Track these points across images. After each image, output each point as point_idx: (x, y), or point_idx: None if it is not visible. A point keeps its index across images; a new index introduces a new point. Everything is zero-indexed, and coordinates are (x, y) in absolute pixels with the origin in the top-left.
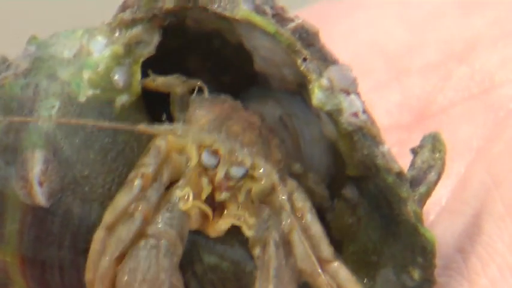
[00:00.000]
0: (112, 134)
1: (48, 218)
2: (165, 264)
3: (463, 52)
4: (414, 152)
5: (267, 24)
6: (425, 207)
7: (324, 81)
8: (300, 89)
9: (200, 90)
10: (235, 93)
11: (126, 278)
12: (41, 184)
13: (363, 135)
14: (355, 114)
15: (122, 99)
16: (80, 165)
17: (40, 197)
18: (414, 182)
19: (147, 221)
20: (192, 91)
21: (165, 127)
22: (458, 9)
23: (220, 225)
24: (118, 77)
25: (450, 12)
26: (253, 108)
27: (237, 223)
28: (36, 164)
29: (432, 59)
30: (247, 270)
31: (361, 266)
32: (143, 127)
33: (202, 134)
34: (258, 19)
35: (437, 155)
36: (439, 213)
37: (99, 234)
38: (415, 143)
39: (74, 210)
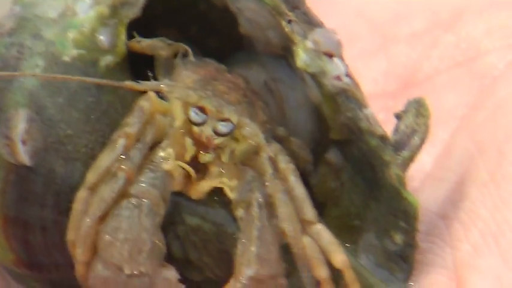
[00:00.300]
0: (96, 94)
1: (31, 177)
2: (147, 224)
3: (449, 20)
4: (398, 116)
5: None
6: (410, 174)
7: (309, 43)
8: (285, 53)
9: (185, 55)
10: (221, 57)
11: (107, 237)
12: (24, 143)
13: (347, 97)
14: (338, 77)
15: (107, 60)
16: (64, 125)
17: (23, 155)
18: (398, 146)
19: (130, 181)
20: (176, 55)
21: (151, 83)
22: None
23: (203, 187)
24: (103, 38)
25: None
26: (238, 72)
27: (220, 185)
28: (20, 122)
29: (418, 27)
30: (229, 231)
31: (343, 230)
32: (129, 84)
33: (188, 91)
34: None
35: (421, 120)
36: (423, 180)
37: (81, 194)
38: (400, 109)
39: (56, 169)
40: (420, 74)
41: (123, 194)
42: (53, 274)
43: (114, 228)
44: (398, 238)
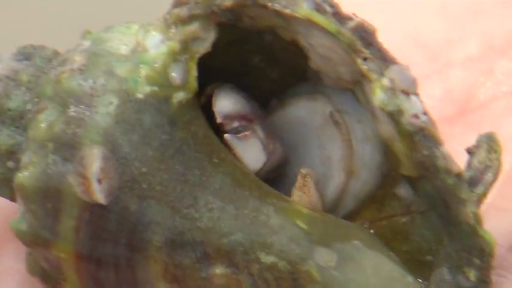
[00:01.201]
0: (170, 131)
1: (105, 215)
2: None
3: (504, 44)
4: (470, 152)
5: (328, 23)
6: None
7: (385, 81)
8: (352, 86)
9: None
10: (282, 88)
11: None
12: (99, 181)
13: (424, 136)
14: (416, 116)
15: (179, 96)
16: (138, 163)
17: (98, 194)
18: (471, 183)
19: None
20: None
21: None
22: (499, 1)
23: None
24: (175, 74)
25: (490, 4)
26: (303, 104)
27: None
28: (95, 160)
29: (473, 51)
30: (304, 269)
31: (415, 265)
32: None
33: None
34: (319, 18)
35: (493, 156)
36: (485, 211)
37: None
38: (457, 136)
39: (131, 207)
40: (476, 99)
41: None
42: None
43: None
44: (472, 275)
